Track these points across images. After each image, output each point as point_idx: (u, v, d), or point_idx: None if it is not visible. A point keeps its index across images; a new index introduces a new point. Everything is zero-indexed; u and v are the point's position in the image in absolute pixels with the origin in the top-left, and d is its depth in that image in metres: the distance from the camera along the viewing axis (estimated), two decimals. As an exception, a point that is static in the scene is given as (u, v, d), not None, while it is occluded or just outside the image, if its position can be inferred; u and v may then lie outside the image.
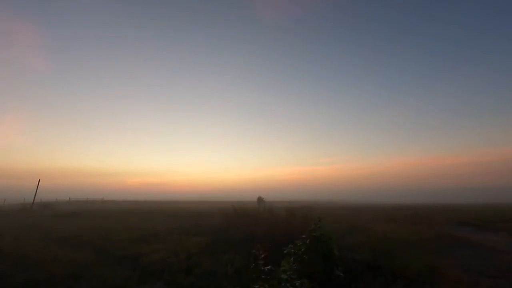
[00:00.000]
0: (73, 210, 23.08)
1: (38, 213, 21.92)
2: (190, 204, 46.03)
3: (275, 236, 7.42)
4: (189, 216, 16.60)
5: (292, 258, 4.74)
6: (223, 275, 5.27)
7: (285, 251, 5.24)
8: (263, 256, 4.26)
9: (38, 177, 31.22)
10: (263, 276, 3.94)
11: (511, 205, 40.64)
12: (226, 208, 15.42)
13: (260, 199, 36.31)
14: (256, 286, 3.78)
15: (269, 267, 4.09)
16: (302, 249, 5.03)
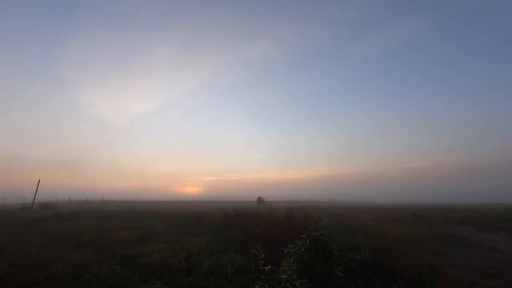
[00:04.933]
0: (73, 210, 23.07)
1: (38, 213, 21.92)
2: (190, 204, 46.03)
3: (275, 236, 7.42)
4: (189, 216, 16.59)
5: (292, 258, 4.74)
6: (223, 275, 5.27)
7: (285, 251, 5.24)
8: (263, 256, 4.26)
9: (38, 177, 31.19)
10: (263, 276, 3.94)
11: (510, 205, 40.65)
12: (226, 208, 15.42)
13: (260, 199, 36.25)
14: (256, 286, 3.78)
15: (269, 267, 4.09)
16: (302, 249, 5.02)
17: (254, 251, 4.40)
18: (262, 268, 4.07)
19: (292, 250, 5.14)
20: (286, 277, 3.61)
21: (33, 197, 30.63)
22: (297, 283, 3.51)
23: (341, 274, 4.49)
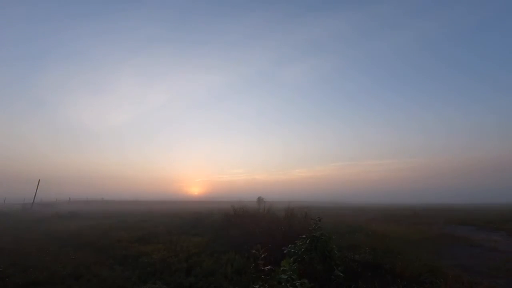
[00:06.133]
0: (73, 210, 23.08)
1: (38, 213, 21.92)
2: (190, 204, 46.04)
3: (275, 236, 7.42)
4: (189, 216, 16.59)
5: (292, 258, 4.74)
6: (223, 275, 5.27)
7: (285, 251, 5.24)
8: (263, 256, 4.26)
9: (38, 177, 31.16)
10: (263, 276, 3.93)
11: (510, 205, 40.66)
12: (226, 208, 15.41)
13: (260, 199, 36.23)
14: (256, 286, 3.78)
15: (269, 267, 4.08)
16: (302, 249, 5.03)
17: (254, 251, 4.39)
18: (262, 268, 4.07)
19: (292, 250, 5.14)
20: (286, 277, 3.61)
21: (33, 197, 30.62)
22: (297, 283, 3.51)
23: (341, 274, 4.49)
